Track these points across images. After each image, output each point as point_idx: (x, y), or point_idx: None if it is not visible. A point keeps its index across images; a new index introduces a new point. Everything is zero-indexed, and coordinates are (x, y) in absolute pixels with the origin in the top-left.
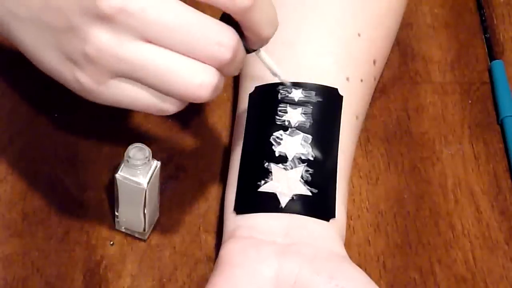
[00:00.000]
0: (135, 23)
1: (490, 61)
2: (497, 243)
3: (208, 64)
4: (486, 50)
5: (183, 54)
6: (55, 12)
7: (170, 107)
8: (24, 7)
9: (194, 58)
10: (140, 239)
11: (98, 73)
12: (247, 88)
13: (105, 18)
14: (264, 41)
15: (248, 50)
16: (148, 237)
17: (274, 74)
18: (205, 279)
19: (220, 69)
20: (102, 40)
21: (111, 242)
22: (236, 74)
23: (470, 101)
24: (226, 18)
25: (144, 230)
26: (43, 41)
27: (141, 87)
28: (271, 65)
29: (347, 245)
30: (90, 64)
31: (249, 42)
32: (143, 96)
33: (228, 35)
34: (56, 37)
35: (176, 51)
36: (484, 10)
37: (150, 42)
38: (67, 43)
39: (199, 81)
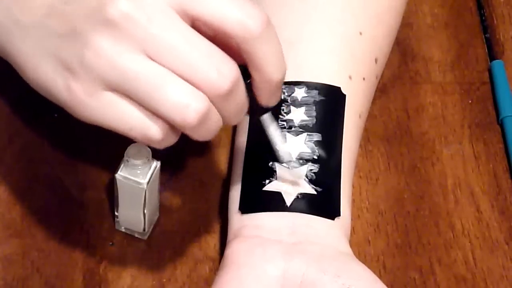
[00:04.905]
0: (138, 33)
1: (490, 61)
2: (497, 243)
3: (203, 91)
4: (486, 50)
5: (179, 75)
6: (59, 18)
7: (156, 133)
8: (29, 13)
9: (190, 82)
10: (140, 239)
11: (91, 82)
12: None
13: (109, 24)
14: (268, 83)
15: (258, 111)
16: (148, 237)
17: (275, 147)
18: (205, 279)
19: (215, 100)
20: (102, 46)
21: (111, 242)
22: (235, 121)
23: (470, 101)
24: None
25: (144, 230)
26: (41, 48)
27: (130, 105)
28: (274, 137)
29: None
30: (85, 71)
31: (256, 89)
32: (131, 115)
33: (229, 66)
34: (56, 43)
35: (172, 70)
36: (484, 10)
37: (148, 56)
38: (67, 49)
39: (186, 102)
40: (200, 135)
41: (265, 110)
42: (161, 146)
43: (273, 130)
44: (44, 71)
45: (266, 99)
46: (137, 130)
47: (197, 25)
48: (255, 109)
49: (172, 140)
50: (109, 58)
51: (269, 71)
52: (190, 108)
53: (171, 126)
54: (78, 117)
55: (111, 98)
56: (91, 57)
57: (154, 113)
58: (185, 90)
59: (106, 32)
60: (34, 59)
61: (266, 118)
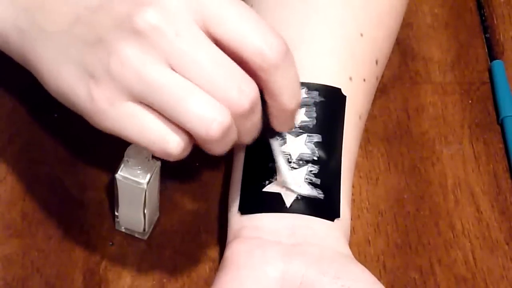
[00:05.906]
0: (165, 45)
1: (490, 61)
2: (497, 243)
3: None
4: (486, 50)
5: (202, 89)
6: (86, 26)
7: (174, 148)
8: (54, 21)
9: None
10: (140, 239)
11: (115, 90)
12: None
13: (137, 34)
14: (282, 111)
15: (268, 133)
16: (148, 237)
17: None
18: (205, 279)
19: (234, 118)
20: (128, 55)
21: (111, 242)
22: (248, 140)
23: (470, 101)
24: None
25: (144, 230)
26: (65, 55)
27: (151, 116)
28: (281, 163)
29: None
30: (110, 79)
31: (270, 114)
32: (151, 127)
33: (251, 86)
34: (81, 51)
35: (196, 84)
36: (484, 10)
37: (173, 69)
38: (92, 56)
39: (212, 117)
40: (217, 149)
41: (276, 133)
42: (174, 159)
43: (280, 157)
44: (66, 78)
45: (279, 125)
46: (156, 142)
47: (220, 43)
48: (266, 131)
49: (185, 154)
50: (135, 67)
51: (283, 100)
52: (215, 121)
53: (189, 140)
54: (97, 126)
55: (133, 109)
56: (116, 66)
57: (177, 125)
58: (210, 103)
59: (133, 42)
60: (57, 66)
61: (275, 144)
